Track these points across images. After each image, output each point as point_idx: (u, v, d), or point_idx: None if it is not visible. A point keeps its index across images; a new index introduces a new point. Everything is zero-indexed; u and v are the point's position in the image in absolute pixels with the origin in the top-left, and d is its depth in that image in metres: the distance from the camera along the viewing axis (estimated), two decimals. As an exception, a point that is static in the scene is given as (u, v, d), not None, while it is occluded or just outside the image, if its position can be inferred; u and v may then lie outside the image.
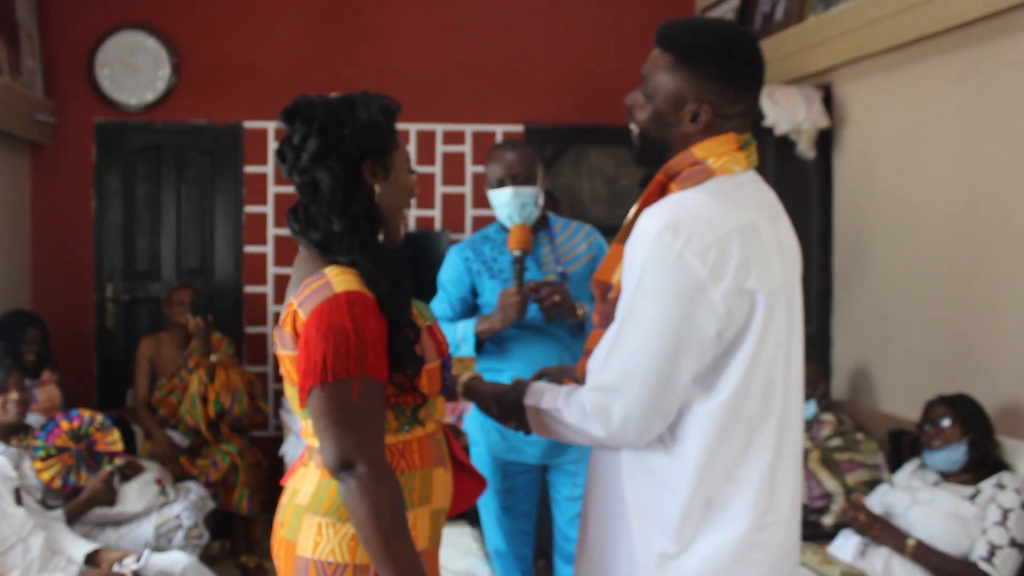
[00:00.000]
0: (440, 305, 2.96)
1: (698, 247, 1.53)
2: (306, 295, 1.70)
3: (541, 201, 2.87)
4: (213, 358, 4.50)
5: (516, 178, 2.78)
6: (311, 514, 1.74)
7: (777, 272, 1.61)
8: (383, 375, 1.69)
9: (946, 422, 3.04)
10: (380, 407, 1.70)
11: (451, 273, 2.95)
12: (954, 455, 3.01)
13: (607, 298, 1.68)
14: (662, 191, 1.64)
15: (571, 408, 1.70)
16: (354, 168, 1.75)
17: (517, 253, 2.74)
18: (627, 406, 1.59)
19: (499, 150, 2.87)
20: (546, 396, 1.79)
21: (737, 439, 1.60)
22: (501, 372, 2.87)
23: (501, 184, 2.80)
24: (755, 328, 1.58)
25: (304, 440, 1.84)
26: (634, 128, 1.71)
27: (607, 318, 1.66)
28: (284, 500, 1.82)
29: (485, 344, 2.88)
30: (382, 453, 1.69)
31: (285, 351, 1.75)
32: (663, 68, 1.64)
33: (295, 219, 1.81)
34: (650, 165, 1.70)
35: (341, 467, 1.65)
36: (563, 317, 2.75)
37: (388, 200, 1.80)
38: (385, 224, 1.81)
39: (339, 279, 1.69)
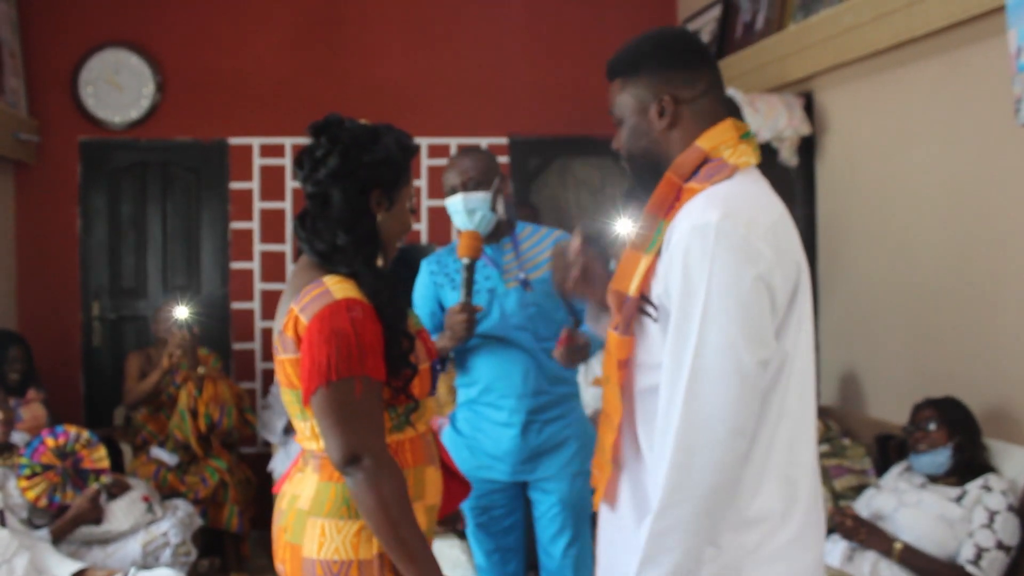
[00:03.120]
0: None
1: (760, 232, 1.54)
2: (307, 301, 1.80)
3: (501, 208, 2.81)
4: (201, 371, 4.49)
5: (467, 184, 2.76)
6: (314, 517, 1.83)
7: (804, 261, 1.63)
8: (382, 376, 1.80)
9: (932, 425, 3.04)
10: (380, 405, 1.81)
11: (419, 289, 2.95)
12: (939, 459, 3.02)
13: (624, 307, 1.64)
14: (676, 193, 1.63)
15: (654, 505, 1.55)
16: (364, 194, 1.88)
17: (466, 261, 2.71)
18: (719, 405, 1.50)
19: (453, 158, 2.86)
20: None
21: (784, 435, 1.58)
22: (472, 386, 2.87)
23: (453, 191, 2.79)
24: (796, 316, 1.59)
25: (300, 445, 1.92)
26: (625, 164, 1.76)
27: (628, 325, 1.64)
28: (283, 506, 1.91)
29: (456, 359, 2.87)
30: (385, 447, 1.80)
31: (286, 355, 1.84)
32: (617, 94, 1.73)
33: (303, 227, 1.91)
34: (652, 183, 1.68)
35: (347, 462, 1.76)
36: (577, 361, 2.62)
37: (386, 229, 1.93)
38: (383, 249, 1.93)
39: (338, 287, 1.81)
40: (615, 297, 1.68)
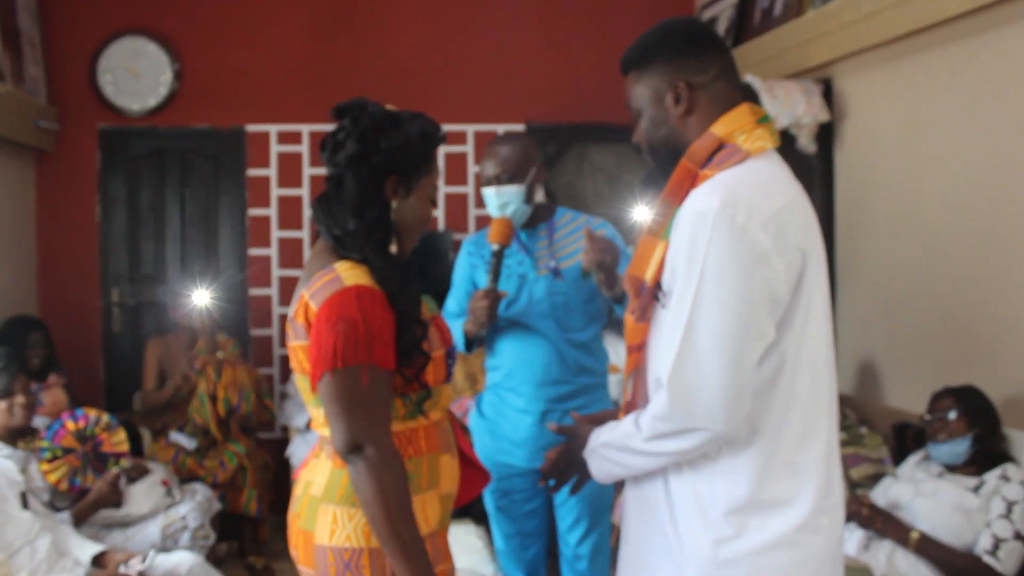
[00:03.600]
0: (450, 301, 2.96)
1: (760, 220, 1.55)
2: (317, 287, 1.79)
3: (540, 196, 2.82)
4: (220, 355, 4.53)
5: (500, 178, 2.75)
6: (326, 503, 1.82)
7: (818, 247, 1.65)
8: (390, 364, 1.78)
9: (952, 415, 3.02)
10: (388, 394, 1.79)
11: (458, 269, 2.97)
12: (958, 448, 3.00)
13: (641, 293, 1.68)
14: (692, 179, 1.65)
15: (642, 426, 1.66)
16: (379, 179, 1.86)
17: (495, 247, 2.71)
18: (711, 389, 1.55)
19: (490, 146, 2.83)
20: (605, 430, 1.78)
21: (795, 423, 1.61)
22: (497, 370, 2.88)
23: (488, 183, 2.79)
24: (802, 304, 1.60)
25: (315, 432, 1.92)
26: (647, 156, 1.79)
27: (644, 312, 1.68)
28: (298, 492, 1.90)
29: (486, 340, 2.88)
30: (389, 438, 1.77)
31: (297, 341, 1.83)
32: (632, 86, 1.76)
33: (321, 209, 1.90)
34: (672, 171, 1.71)
35: (350, 449, 1.74)
36: (599, 281, 2.64)
37: (402, 218, 1.90)
38: (398, 237, 1.90)
39: (348, 273, 1.79)
40: (632, 282, 1.71)
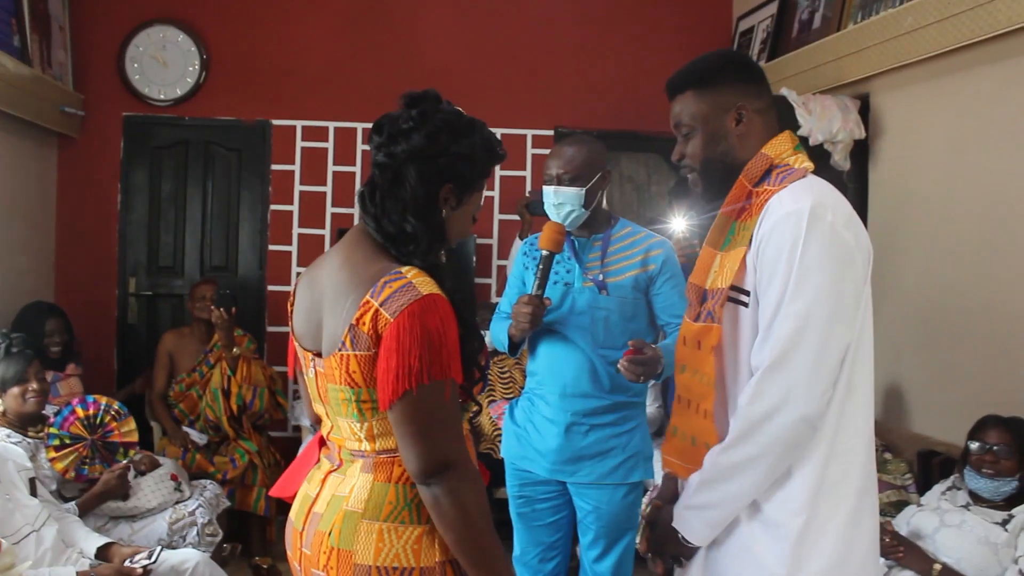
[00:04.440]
0: (503, 302, 2.96)
1: (843, 220, 1.70)
2: (388, 295, 1.62)
3: (602, 201, 2.78)
4: (236, 351, 4.48)
5: (561, 179, 2.72)
6: (369, 520, 1.70)
7: (871, 250, 1.79)
8: (461, 378, 1.68)
9: (1002, 449, 2.91)
10: (460, 409, 1.70)
11: (514, 266, 2.97)
12: (1004, 488, 2.89)
13: (705, 300, 1.80)
14: (747, 195, 1.79)
15: (725, 441, 1.73)
16: (437, 183, 1.74)
17: (544, 253, 2.67)
18: (801, 365, 1.66)
19: (558, 145, 2.80)
20: (686, 491, 1.83)
21: (851, 414, 1.73)
22: (533, 375, 2.86)
23: (548, 182, 2.76)
24: (864, 300, 1.75)
25: (346, 444, 1.77)
26: (692, 175, 1.88)
27: (714, 315, 1.77)
28: (318, 508, 1.76)
29: (528, 342, 2.86)
30: (468, 454, 1.68)
31: (355, 351, 1.66)
32: (690, 103, 1.86)
33: (371, 203, 1.76)
34: (722, 193, 1.84)
35: (437, 469, 1.62)
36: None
37: (448, 227, 1.78)
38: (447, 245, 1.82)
39: (421, 280, 1.64)
40: (692, 291, 1.85)
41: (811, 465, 1.70)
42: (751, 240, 1.74)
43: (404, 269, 1.66)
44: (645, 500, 3.23)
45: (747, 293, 1.74)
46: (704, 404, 1.78)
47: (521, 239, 4.80)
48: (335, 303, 1.69)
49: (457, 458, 1.63)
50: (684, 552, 1.84)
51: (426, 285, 1.63)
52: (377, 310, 1.62)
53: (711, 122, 1.84)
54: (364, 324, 1.63)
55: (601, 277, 2.74)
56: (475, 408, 1.81)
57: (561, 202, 2.71)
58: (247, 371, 4.53)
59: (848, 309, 1.70)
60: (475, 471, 1.67)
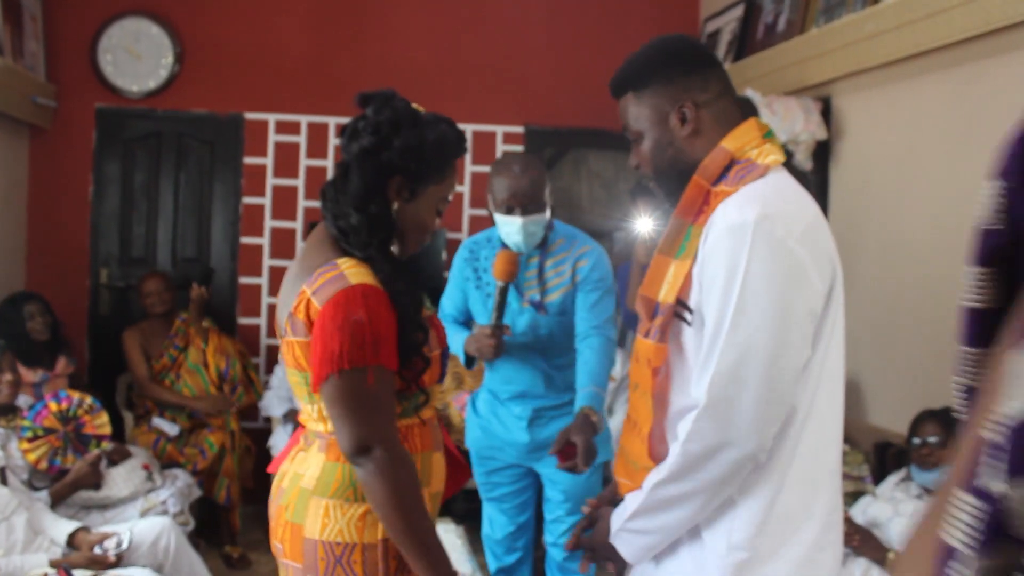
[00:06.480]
0: (446, 302, 2.95)
1: (797, 234, 1.51)
2: (320, 284, 1.73)
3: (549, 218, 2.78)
4: (205, 324, 4.62)
5: (526, 207, 2.65)
6: (318, 497, 1.79)
7: (838, 261, 1.62)
8: (394, 365, 1.75)
9: (937, 441, 3.02)
10: (392, 394, 1.77)
11: (454, 270, 2.94)
12: (944, 477, 3.00)
13: (656, 314, 1.61)
14: (704, 196, 1.60)
15: (664, 467, 1.57)
16: (384, 177, 1.80)
17: (500, 284, 2.64)
18: (748, 404, 1.49)
19: (507, 170, 2.69)
20: (628, 504, 1.66)
21: (811, 438, 1.57)
22: (493, 372, 2.91)
23: (510, 211, 2.67)
24: (830, 318, 1.57)
25: (308, 425, 1.88)
26: (651, 179, 1.73)
27: (664, 332, 1.60)
28: (284, 484, 1.86)
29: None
30: (397, 436, 1.75)
31: (296, 337, 1.77)
32: (631, 107, 1.71)
33: (327, 197, 1.85)
34: (681, 193, 1.65)
35: (359, 451, 1.71)
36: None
37: (403, 220, 1.84)
38: (400, 239, 1.86)
39: (353, 271, 1.73)
40: (644, 303, 1.65)
41: (760, 495, 1.55)
42: (696, 252, 1.56)
43: (340, 261, 1.76)
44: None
45: (691, 311, 1.57)
46: (644, 427, 1.64)
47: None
48: (286, 292, 1.82)
49: (384, 440, 1.71)
50: (620, 563, 1.74)
51: (357, 276, 1.73)
52: (309, 299, 1.73)
53: (655, 125, 1.67)
54: (300, 312, 1.74)
55: (539, 297, 2.75)
56: (422, 399, 1.85)
57: (533, 231, 2.69)
58: (218, 342, 4.67)
59: (800, 329, 1.51)
60: (404, 453, 1.74)
